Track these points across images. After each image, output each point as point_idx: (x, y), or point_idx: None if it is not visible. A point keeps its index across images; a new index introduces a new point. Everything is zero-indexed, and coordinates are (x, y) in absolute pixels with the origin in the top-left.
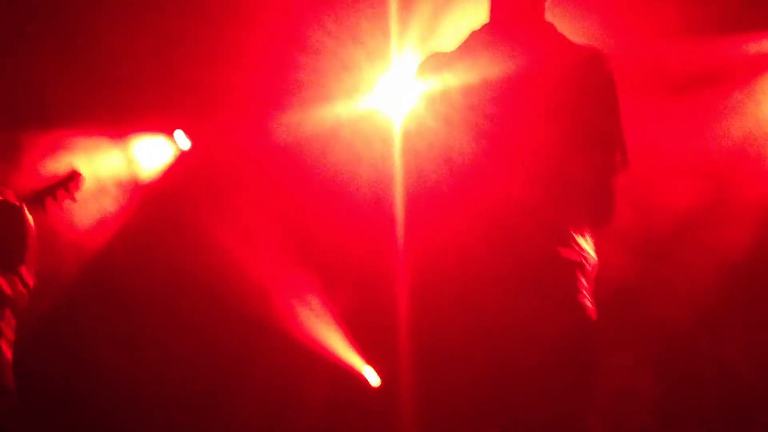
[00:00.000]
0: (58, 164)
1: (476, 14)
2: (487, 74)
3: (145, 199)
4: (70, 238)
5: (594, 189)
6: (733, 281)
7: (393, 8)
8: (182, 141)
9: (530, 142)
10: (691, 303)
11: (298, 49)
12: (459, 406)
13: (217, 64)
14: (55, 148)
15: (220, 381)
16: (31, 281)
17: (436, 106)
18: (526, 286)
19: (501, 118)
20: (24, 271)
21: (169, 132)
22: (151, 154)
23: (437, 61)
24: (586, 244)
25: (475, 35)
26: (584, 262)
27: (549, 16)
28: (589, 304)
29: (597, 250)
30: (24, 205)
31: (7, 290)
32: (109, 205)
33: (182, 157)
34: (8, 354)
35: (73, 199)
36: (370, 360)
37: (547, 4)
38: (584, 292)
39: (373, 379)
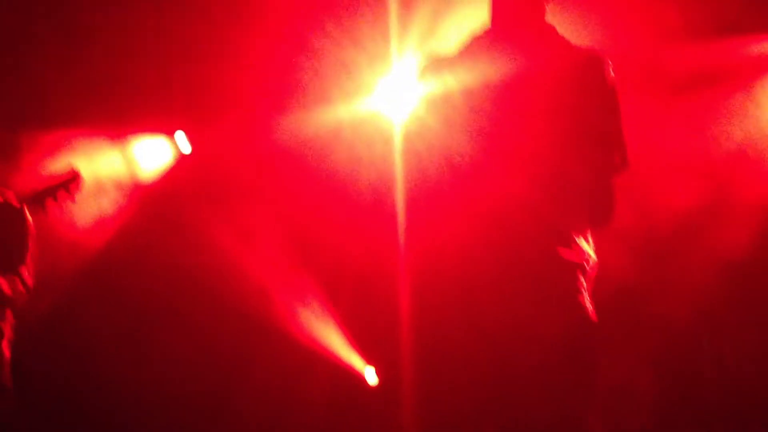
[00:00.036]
0: (59, 165)
1: (477, 17)
2: (488, 76)
3: (145, 199)
4: (70, 239)
5: (594, 189)
6: (733, 281)
7: (393, 11)
8: (183, 142)
9: (530, 143)
10: (691, 303)
11: (298, 52)
12: (459, 405)
13: (218, 65)
14: (55, 149)
15: (220, 381)
16: (30, 281)
17: (437, 107)
18: (526, 286)
19: (501, 119)
20: (24, 271)
21: (169, 133)
22: (152, 154)
23: (438, 64)
24: (586, 244)
25: (475, 38)
26: (584, 262)
27: (550, 19)
28: (588, 304)
29: (597, 250)
30: (24, 206)
31: (7, 290)
32: (109, 205)
33: (183, 158)
34: (7, 353)
35: (73, 200)
36: (370, 360)
37: (548, 7)
38: (584, 292)
39: (374, 378)
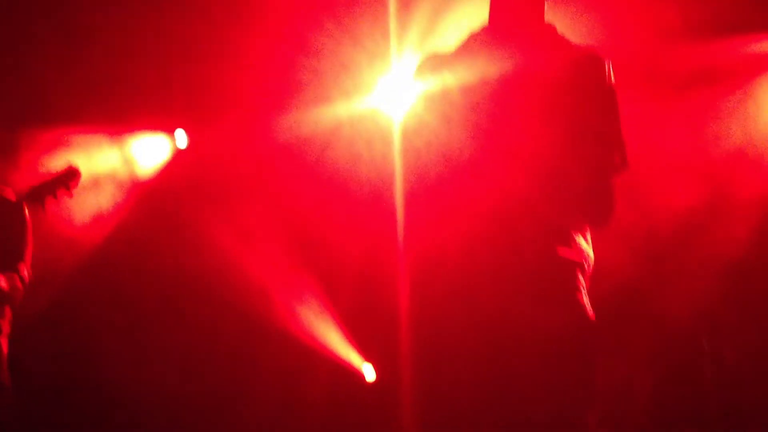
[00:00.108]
0: (57, 162)
1: (475, 15)
2: (487, 74)
3: (144, 197)
4: (68, 236)
5: (593, 188)
6: (733, 281)
7: (392, 9)
8: (182, 140)
9: (529, 142)
10: (690, 302)
11: (298, 50)
12: (458, 404)
13: (218, 64)
14: (54, 146)
15: (220, 380)
16: (29, 278)
17: (435, 105)
18: (525, 284)
19: (500, 117)
20: (22, 267)
21: (168, 131)
22: (151, 152)
23: (437, 61)
24: (585, 243)
25: (474, 36)
26: (583, 261)
27: (549, 17)
28: (588, 303)
29: (596, 250)
30: (23, 202)
31: (6, 287)
32: (108, 202)
33: (181, 155)
34: (5, 350)
35: (72, 197)
36: (370, 358)
37: (547, 5)
38: (583, 291)
39: (373, 377)
